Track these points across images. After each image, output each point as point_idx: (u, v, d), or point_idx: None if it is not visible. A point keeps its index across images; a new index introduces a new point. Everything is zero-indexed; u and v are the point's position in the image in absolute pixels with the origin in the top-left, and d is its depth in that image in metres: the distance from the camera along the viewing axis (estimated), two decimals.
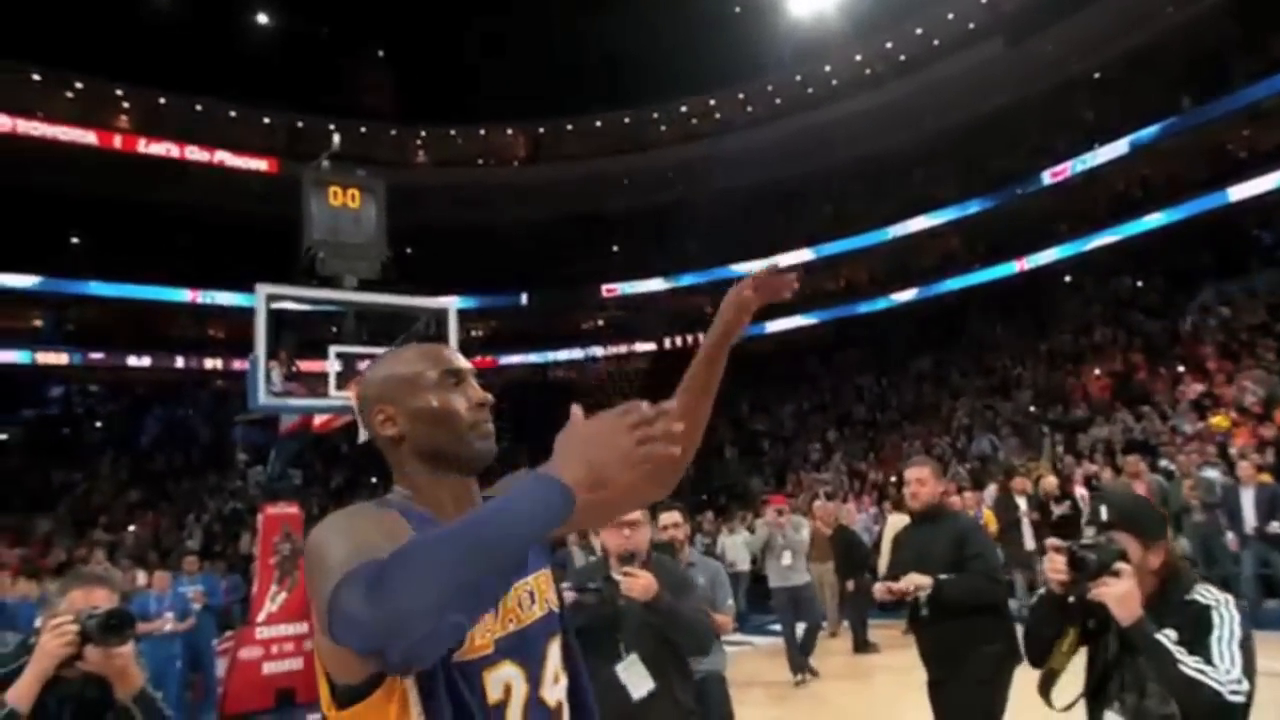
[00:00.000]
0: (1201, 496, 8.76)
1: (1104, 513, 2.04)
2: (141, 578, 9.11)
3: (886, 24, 25.33)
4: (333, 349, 7.95)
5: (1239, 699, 1.75)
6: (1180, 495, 8.94)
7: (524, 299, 29.12)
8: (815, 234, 26.79)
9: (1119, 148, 20.62)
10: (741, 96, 29.21)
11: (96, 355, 24.43)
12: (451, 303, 9.08)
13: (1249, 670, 1.79)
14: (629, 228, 29.56)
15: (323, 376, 8.24)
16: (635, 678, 2.57)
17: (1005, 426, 16.96)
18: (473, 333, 27.43)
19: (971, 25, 24.83)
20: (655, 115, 30.13)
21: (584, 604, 2.56)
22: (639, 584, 2.54)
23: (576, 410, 1.12)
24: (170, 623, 7.39)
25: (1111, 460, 11.81)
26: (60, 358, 23.99)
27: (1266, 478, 8.44)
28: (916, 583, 3.24)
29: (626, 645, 2.59)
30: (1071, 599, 1.99)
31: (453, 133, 30.23)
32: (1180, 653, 1.80)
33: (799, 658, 7.29)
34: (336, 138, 9.32)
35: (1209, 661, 1.79)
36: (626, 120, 30.07)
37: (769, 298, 1.53)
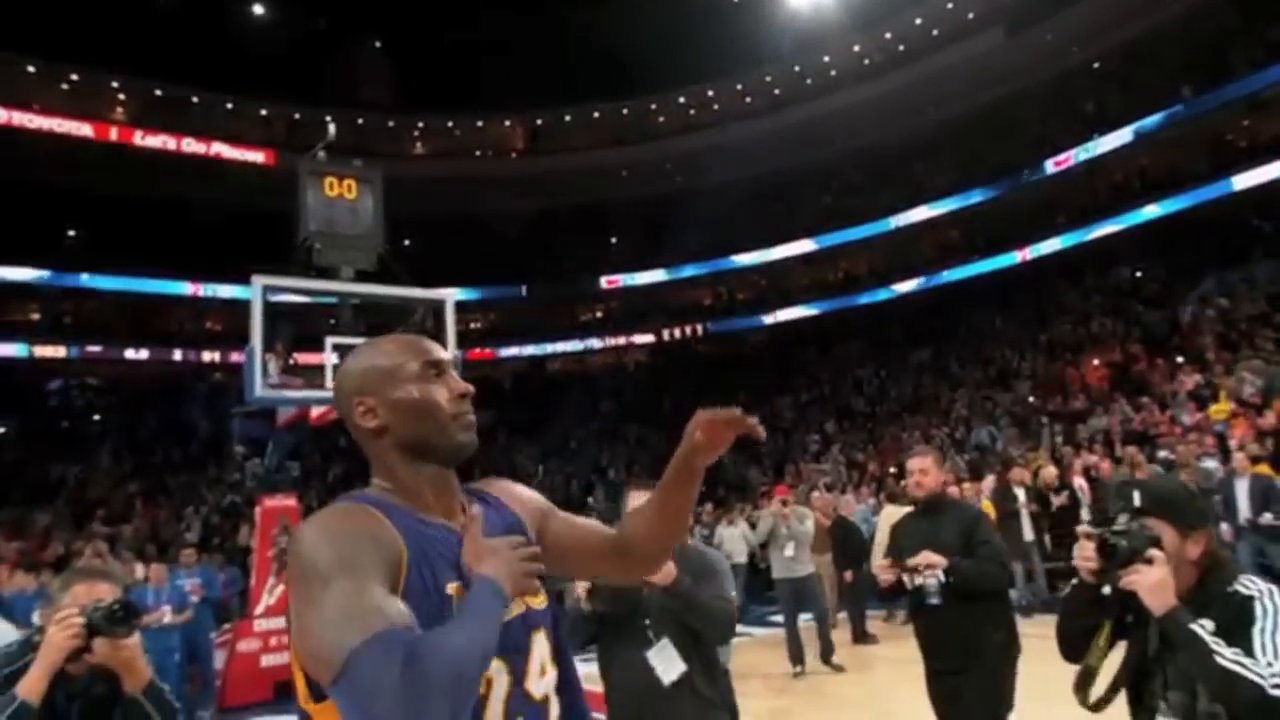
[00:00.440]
0: (1200, 484, 8.75)
1: (1137, 498, 1.93)
2: (139, 570, 9.10)
3: (885, 14, 25.25)
4: (329, 340, 7.92)
5: None
6: None
7: (522, 291, 29.09)
8: (815, 225, 26.77)
9: (1123, 135, 20.57)
10: (740, 87, 29.12)
11: (94, 348, 24.41)
12: (449, 294, 9.04)
13: None
14: (627, 219, 29.51)
15: (320, 369, 8.22)
16: (666, 662, 2.57)
17: (1004, 417, 16.95)
18: (471, 325, 27.39)
19: (971, 15, 24.76)
20: (654, 106, 30.05)
21: (603, 586, 2.54)
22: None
23: (473, 534, 1.21)
24: (168, 615, 7.37)
25: (1110, 451, 11.80)
26: (58, 351, 23.96)
27: (1263, 469, 8.44)
28: (930, 560, 3.20)
29: (655, 632, 2.60)
30: (1107, 589, 1.88)
31: (450, 124, 30.14)
32: (1217, 644, 1.69)
33: (800, 649, 7.27)
34: (332, 128, 9.24)
35: (1249, 654, 1.68)
36: (625, 111, 29.98)
37: (719, 447, 1.46)
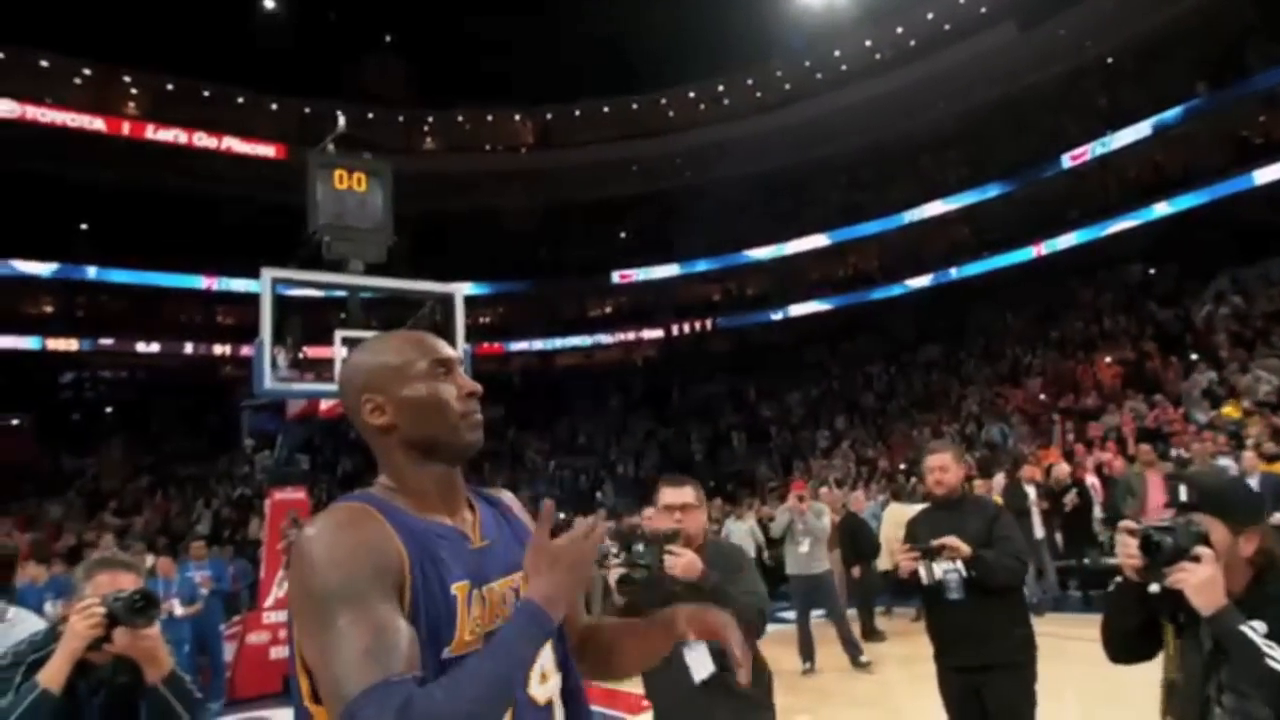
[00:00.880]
0: None
1: (1183, 493, 1.84)
2: (149, 562, 9.13)
3: (897, 9, 25.10)
4: (339, 333, 7.91)
5: None
6: None
7: (531, 285, 29.11)
8: (827, 220, 26.69)
9: (1141, 130, 20.39)
10: (751, 82, 29.00)
11: (106, 342, 24.55)
12: (459, 288, 9.01)
13: None
14: (637, 214, 29.47)
15: (329, 362, 8.22)
16: (698, 661, 2.55)
17: (1015, 414, 16.87)
18: (480, 320, 27.42)
19: (983, 10, 24.57)
20: (664, 101, 29.97)
21: (631, 579, 2.55)
22: (680, 562, 2.50)
23: (541, 533, 1.19)
24: (177, 608, 7.40)
25: (1123, 449, 11.72)
26: (70, 344, 24.11)
27: (1276, 467, 8.34)
28: (955, 544, 3.14)
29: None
30: (1156, 588, 1.77)
31: (460, 119, 30.14)
32: (1270, 647, 1.62)
33: (811, 647, 7.20)
34: (342, 119, 9.19)
35: None
36: (635, 106, 29.92)
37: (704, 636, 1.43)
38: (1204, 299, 17.33)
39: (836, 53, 27.20)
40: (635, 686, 7.33)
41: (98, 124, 23.86)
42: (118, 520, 16.72)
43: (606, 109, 29.93)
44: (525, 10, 27.21)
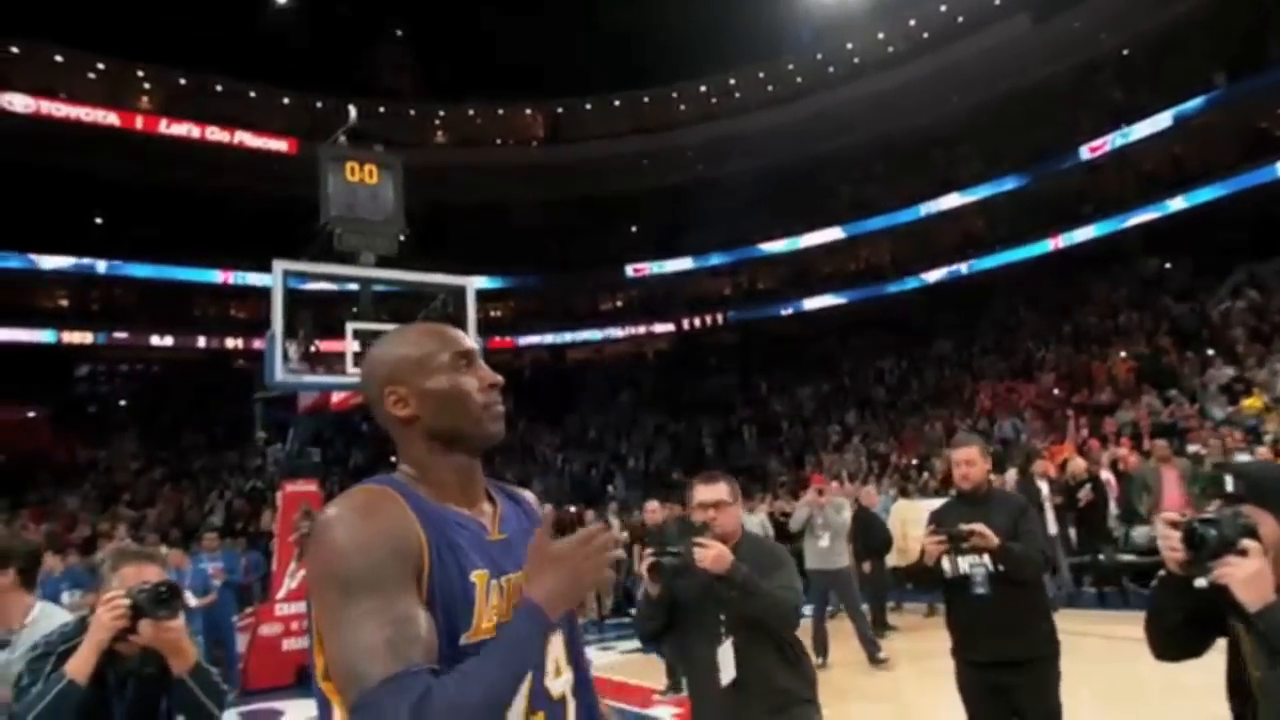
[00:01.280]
0: None
1: (1230, 484, 1.78)
2: (163, 551, 9.19)
3: (909, 1, 24.92)
4: (350, 325, 7.93)
5: None
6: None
7: (542, 280, 29.11)
8: (840, 214, 26.59)
9: (1161, 121, 20.18)
10: (762, 75, 28.87)
11: (121, 335, 24.72)
12: (472, 281, 9.00)
13: None
14: (648, 208, 29.42)
15: (340, 356, 8.23)
16: (726, 663, 2.56)
17: (1028, 410, 16.76)
18: (491, 313, 27.45)
19: (996, 1, 24.34)
20: (675, 95, 29.88)
21: (663, 566, 2.53)
22: (709, 554, 2.50)
23: (541, 534, 1.21)
24: (191, 599, 7.44)
25: (1138, 445, 11.62)
26: (85, 337, 24.29)
27: None
28: (984, 531, 3.09)
29: (727, 628, 2.57)
30: (1203, 582, 1.68)
31: (471, 113, 30.14)
32: None
33: (825, 641, 7.16)
34: (353, 111, 9.19)
35: None
36: (646, 100, 29.84)
37: None
38: (1220, 294, 17.16)
39: (848, 45, 27.03)
40: (644, 680, 7.33)
41: (111, 118, 23.96)
42: (132, 512, 16.84)
43: (617, 103, 29.86)
44: (536, 4, 27.18)
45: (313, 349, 8.38)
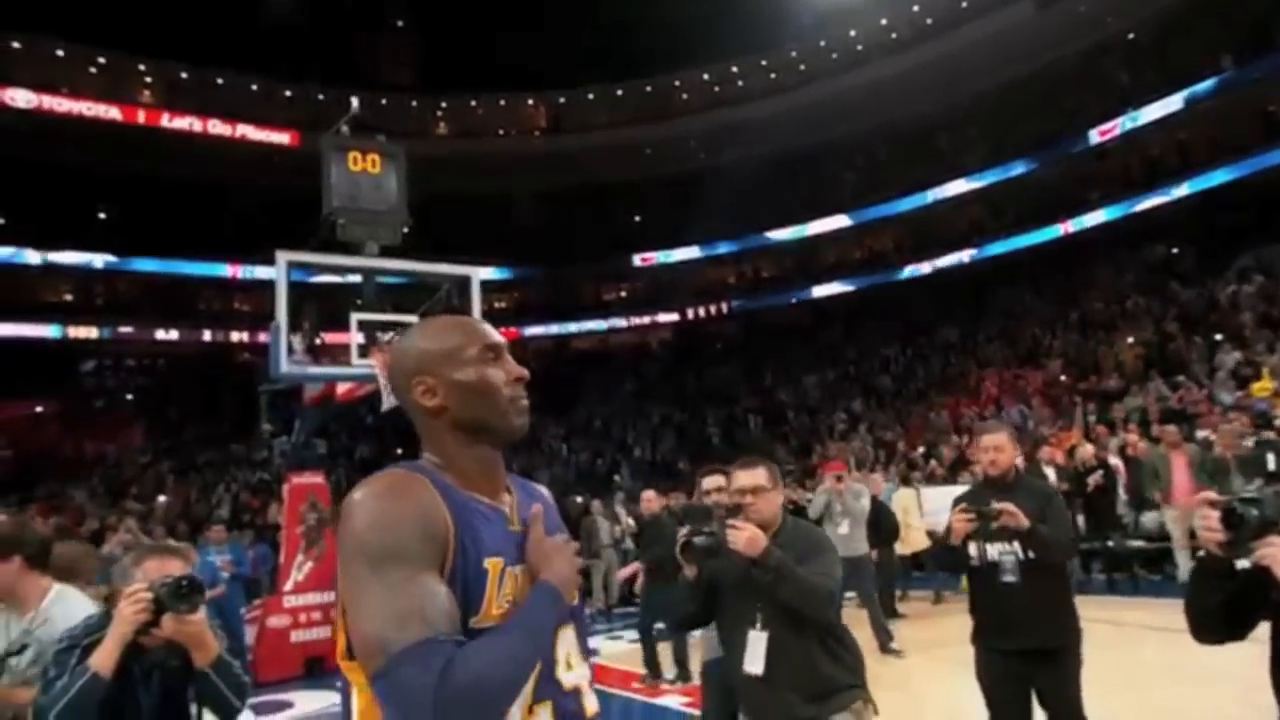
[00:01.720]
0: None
1: (1272, 462, 1.73)
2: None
3: None
4: (355, 316, 7.91)
5: None
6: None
7: (545, 270, 29.07)
8: (846, 201, 26.47)
9: (1172, 103, 20.00)
10: (765, 63, 28.72)
11: (126, 329, 24.76)
12: (477, 271, 8.96)
13: None
14: (651, 198, 29.33)
15: (345, 347, 8.22)
16: (755, 652, 2.54)
17: (1035, 396, 16.69)
18: (496, 304, 27.44)
19: None
20: (677, 84, 29.75)
21: (695, 545, 2.52)
22: (742, 536, 2.48)
23: (537, 531, 1.28)
24: None
25: (1146, 431, 11.55)
26: (91, 331, 24.34)
27: None
28: (1014, 511, 3.05)
29: (764, 618, 2.55)
30: (1245, 564, 1.64)
31: (473, 103, 30.05)
32: None
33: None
34: (355, 101, 9.15)
35: None
36: (648, 89, 29.71)
37: None
38: (1227, 278, 17.04)
39: (852, 32, 26.84)
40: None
41: (113, 113, 23.97)
42: (139, 505, 16.89)
43: (620, 92, 29.75)
44: None
45: (317, 341, 8.38)
